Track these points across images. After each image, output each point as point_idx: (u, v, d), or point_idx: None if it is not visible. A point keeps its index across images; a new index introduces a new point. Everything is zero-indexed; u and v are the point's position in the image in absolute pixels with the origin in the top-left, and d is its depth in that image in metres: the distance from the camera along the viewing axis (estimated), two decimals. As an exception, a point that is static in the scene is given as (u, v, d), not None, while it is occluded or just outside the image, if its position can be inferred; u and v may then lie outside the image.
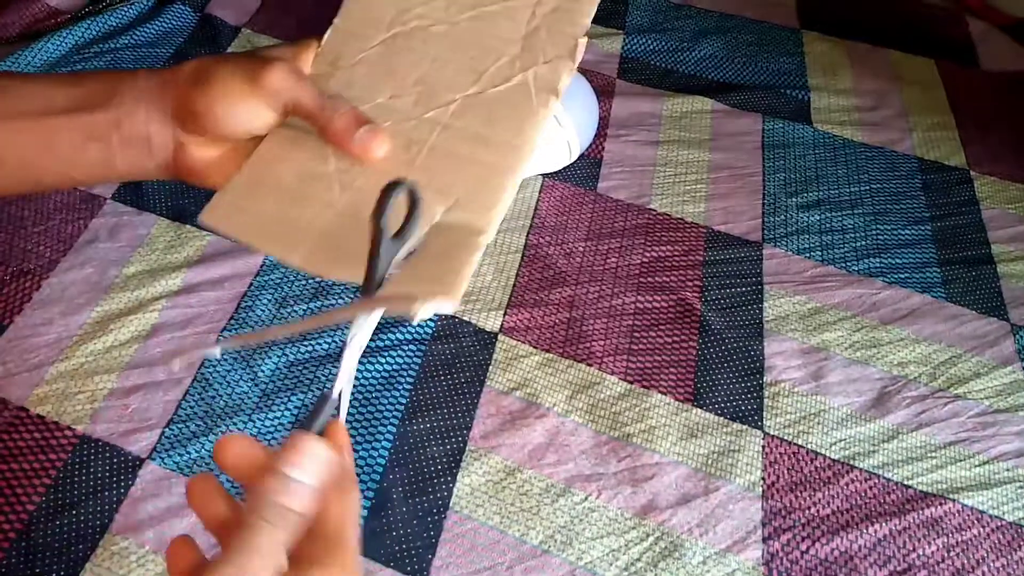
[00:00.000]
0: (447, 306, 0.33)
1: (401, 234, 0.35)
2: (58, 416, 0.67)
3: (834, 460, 0.73)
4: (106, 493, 0.64)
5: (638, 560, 0.65)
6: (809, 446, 0.74)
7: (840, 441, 0.74)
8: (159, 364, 0.72)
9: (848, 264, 0.89)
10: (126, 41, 1.00)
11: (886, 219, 0.95)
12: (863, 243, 0.92)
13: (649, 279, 0.85)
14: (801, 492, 0.71)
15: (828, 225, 0.94)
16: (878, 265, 0.90)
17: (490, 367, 0.76)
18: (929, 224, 0.95)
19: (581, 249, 0.87)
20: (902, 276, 0.89)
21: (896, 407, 0.77)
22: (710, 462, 0.72)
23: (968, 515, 0.70)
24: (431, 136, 0.40)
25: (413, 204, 0.35)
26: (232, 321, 0.76)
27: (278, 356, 0.73)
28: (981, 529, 0.70)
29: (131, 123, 0.38)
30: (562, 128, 0.88)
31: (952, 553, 0.68)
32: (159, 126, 0.39)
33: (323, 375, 0.73)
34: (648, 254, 0.87)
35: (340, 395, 0.35)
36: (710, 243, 0.90)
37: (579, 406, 0.74)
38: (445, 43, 0.42)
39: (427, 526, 0.65)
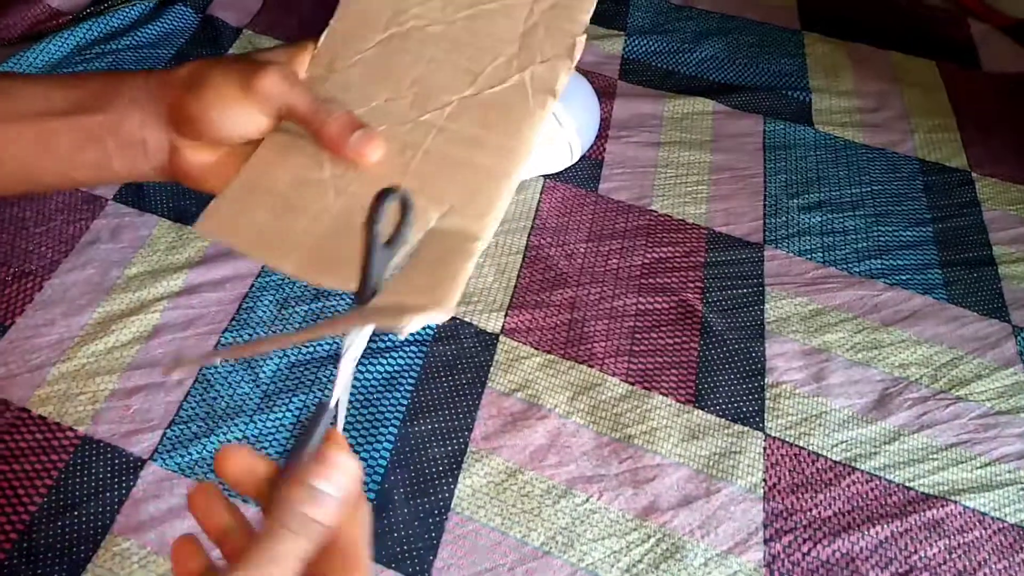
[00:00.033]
0: (439, 317, 0.32)
1: (394, 241, 0.34)
2: (60, 417, 0.67)
3: (835, 462, 0.73)
4: (108, 494, 0.64)
5: (639, 562, 0.65)
6: (810, 448, 0.74)
7: (841, 443, 0.74)
8: (161, 365, 0.72)
9: (849, 266, 0.89)
10: (127, 42, 1.00)
11: (887, 221, 0.95)
12: (864, 245, 0.92)
13: (650, 280, 0.85)
14: (803, 494, 0.71)
15: (829, 227, 0.94)
16: (879, 267, 0.90)
17: (491, 368, 0.76)
18: (930, 226, 0.95)
19: (582, 250, 0.87)
20: (903, 278, 0.89)
21: (897, 409, 0.77)
22: (711, 464, 0.72)
23: (970, 517, 0.70)
24: (426, 139, 0.39)
25: (405, 211, 0.34)
26: (233, 322, 0.76)
27: (279, 357, 0.73)
28: (983, 531, 0.70)
29: (127, 126, 0.38)
30: (563, 129, 0.88)
31: (954, 555, 0.68)
32: (154, 130, 0.38)
33: (324, 376, 0.73)
34: (649, 255, 0.87)
35: (337, 404, 0.35)
36: (711, 244, 0.90)
37: (580, 407, 0.74)
38: (442, 43, 0.42)
39: (428, 527, 0.65)
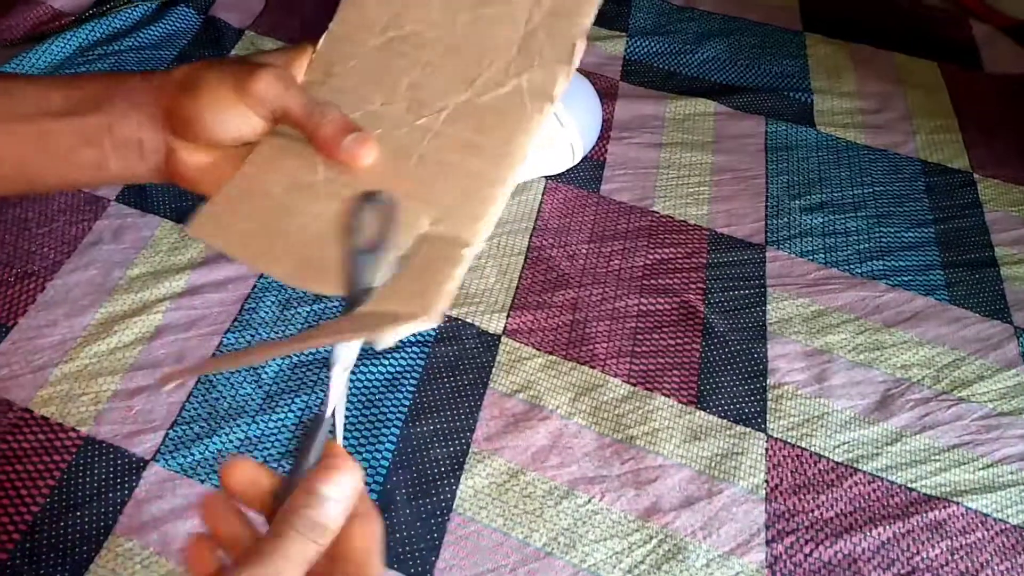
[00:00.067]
0: (425, 325, 0.32)
1: (377, 248, 0.34)
2: (62, 418, 0.68)
3: (838, 463, 0.73)
4: (110, 495, 0.64)
5: (641, 563, 0.65)
6: (813, 449, 0.74)
7: (844, 444, 0.74)
8: (163, 366, 0.72)
9: (851, 267, 0.89)
10: (130, 43, 1.00)
11: (889, 222, 0.95)
12: (866, 246, 0.92)
13: (652, 281, 0.85)
14: (805, 495, 0.71)
15: (831, 228, 0.94)
16: (881, 268, 0.90)
17: (493, 369, 0.76)
18: (932, 227, 0.95)
19: (584, 251, 0.87)
20: (905, 279, 0.89)
21: (900, 410, 0.77)
22: (713, 465, 0.72)
23: (972, 518, 0.70)
24: (421, 144, 0.39)
25: (387, 216, 0.34)
26: (236, 323, 0.76)
27: (281, 359, 0.73)
28: (985, 532, 0.70)
29: (123, 127, 0.38)
30: (565, 130, 0.88)
31: (956, 556, 0.68)
32: (150, 131, 0.38)
33: (326, 377, 0.72)
34: (651, 256, 0.88)
35: (334, 414, 0.35)
36: (713, 246, 0.90)
37: (582, 408, 0.74)
38: (440, 47, 0.41)
39: (430, 528, 0.65)
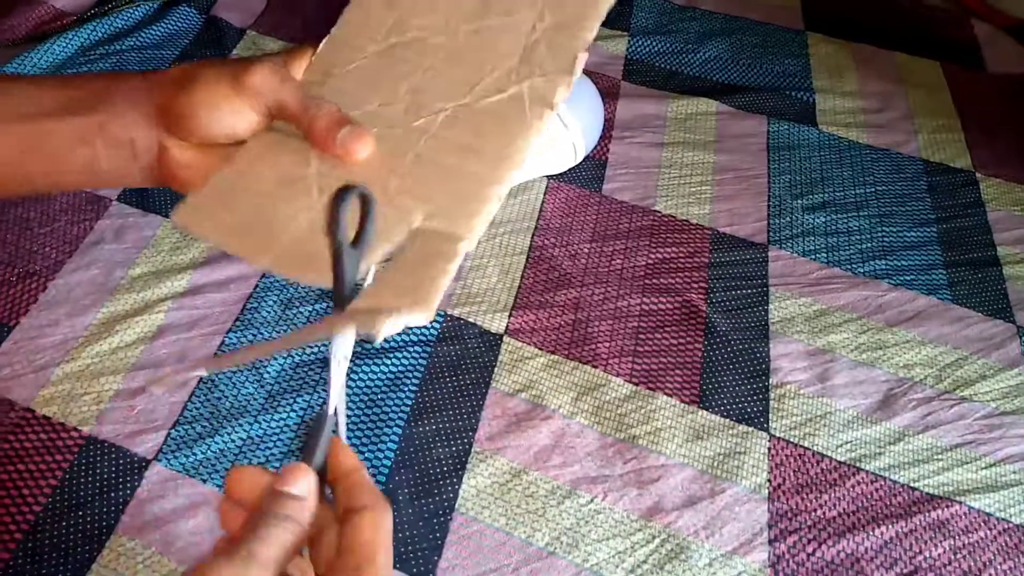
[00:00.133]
0: (420, 319, 0.32)
1: (359, 241, 0.34)
2: (64, 417, 0.67)
3: (840, 462, 0.73)
4: (112, 494, 0.64)
5: (644, 562, 0.65)
6: (815, 448, 0.74)
7: (846, 443, 0.74)
8: (165, 365, 0.72)
9: (854, 266, 0.89)
10: (131, 43, 1.00)
11: (892, 221, 0.95)
12: (869, 245, 0.92)
13: (654, 281, 0.85)
14: (807, 494, 0.71)
15: (833, 227, 0.94)
16: (884, 267, 0.90)
17: (495, 369, 0.76)
18: (935, 226, 0.95)
19: (586, 251, 0.87)
20: (908, 278, 0.89)
21: (902, 409, 0.77)
22: (716, 464, 0.71)
23: (975, 517, 0.70)
24: (418, 144, 0.39)
25: (366, 209, 0.33)
26: (238, 323, 0.76)
27: (283, 358, 0.73)
28: (988, 531, 0.70)
29: (116, 126, 0.38)
30: (567, 130, 0.88)
31: (959, 555, 0.68)
32: (143, 129, 0.38)
33: (327, 376, 0.72)
34: (653, 256, 0.87)
35: (336, 412, 0.34)
36: (715, 245, 0.90)
37: (585, 408, 0.74)
38: (442, 54, 0.41)
39: (433, 528, 0.65)
